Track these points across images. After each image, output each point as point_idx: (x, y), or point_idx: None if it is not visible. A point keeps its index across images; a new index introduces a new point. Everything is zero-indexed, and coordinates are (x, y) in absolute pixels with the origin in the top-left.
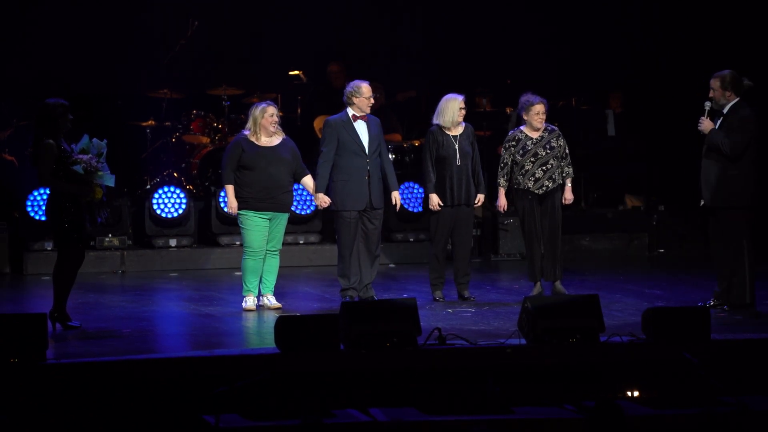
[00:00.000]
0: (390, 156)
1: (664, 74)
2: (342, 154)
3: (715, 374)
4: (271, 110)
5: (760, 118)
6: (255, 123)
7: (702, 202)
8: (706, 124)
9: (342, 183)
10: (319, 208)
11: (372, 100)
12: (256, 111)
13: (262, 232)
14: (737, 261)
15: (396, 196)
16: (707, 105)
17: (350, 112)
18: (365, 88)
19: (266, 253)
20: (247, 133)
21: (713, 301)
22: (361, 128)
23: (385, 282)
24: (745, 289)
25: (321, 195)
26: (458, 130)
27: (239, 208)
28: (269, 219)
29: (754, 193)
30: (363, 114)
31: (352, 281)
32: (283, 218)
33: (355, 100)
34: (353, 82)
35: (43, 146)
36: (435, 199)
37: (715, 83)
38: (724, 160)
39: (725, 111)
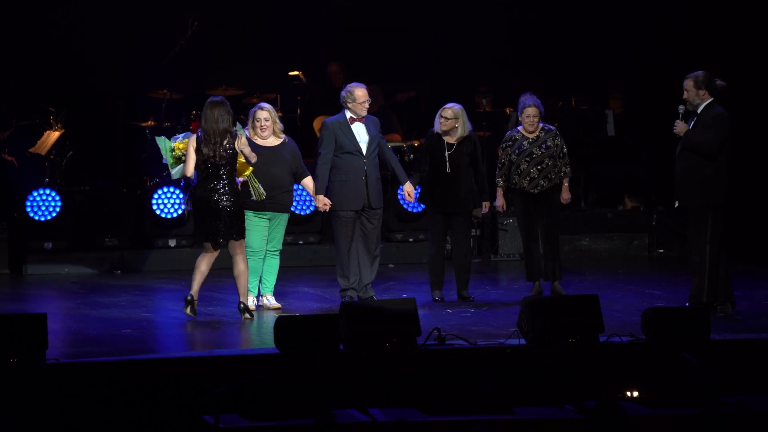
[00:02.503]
0: None
1: (664, 74)
2: (340, 155)
3: (715, 374)
4: (260, 114)
5: (753, 117)
6: (251, 125)
7: (676, 204)
8: (680, 127)
9: (339, 183)
10: (320, 210)
11: (367, 105)
12: (252, 113)
13: (261, 232)
14: (700, 261)
15: (407, 189)
16: (681, 108)
17: (347, 114)
18: (359, 92)
19: (266, 254)
20: (247, 132)
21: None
22: (359, 130)
23: (385, 282)
24: (726, 286)
25: (321, 197)
26: (455, 139)
27: None
28: (269, 219)
29: (729, 192)
30: (360, 117)
31: (351, 281)
32: (283, 218)
33: (349, 104)
34: (348, 85)
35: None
36: (407, 187)
37: (688, 84)
38: (699, 159)
39: (699, 111)
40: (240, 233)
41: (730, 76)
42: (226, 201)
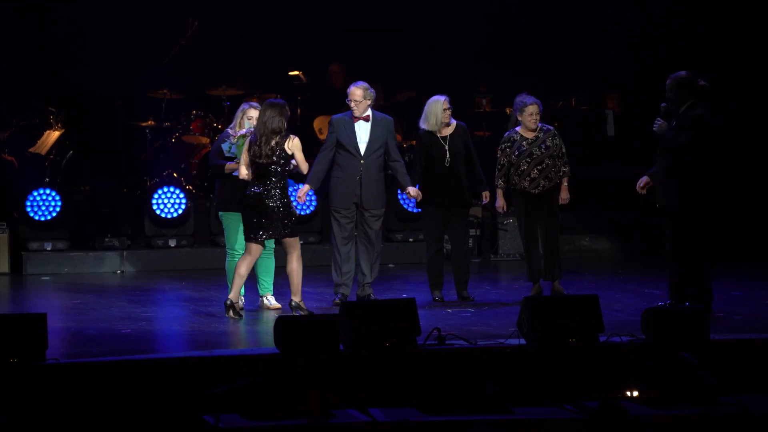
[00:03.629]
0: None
1: (664, 74)
2: (341, 152)
3: (715, 374)
4: (253, 113)
5: (753, 116)
6: (239, 123)
7: (657, 204)
8: (661, 126)
9: (335, 180)
10: (298, 199)
11: (355, 104)
12: (243, 110)
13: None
14: (691, 261)
15: (412, 193)
16: (663, 107)
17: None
18: (352, 89)
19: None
20: (232, 132)
21: (671, 302)
22: (361, 129)
23: (385, 282)
24: (699, 289)
25: (303, 186)
26: (448, 131)
27: (222, 210)
28: None
29: (707, 193)
30: (364, 115)
31: (344, 277)
32: None
33: (348, 102)
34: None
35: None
36: (412, 191)
37: (670, 84)
38: (678, 159)
39: (681, 111)
40: (291, 231)
41: (730, 76)
42: (275, 200)
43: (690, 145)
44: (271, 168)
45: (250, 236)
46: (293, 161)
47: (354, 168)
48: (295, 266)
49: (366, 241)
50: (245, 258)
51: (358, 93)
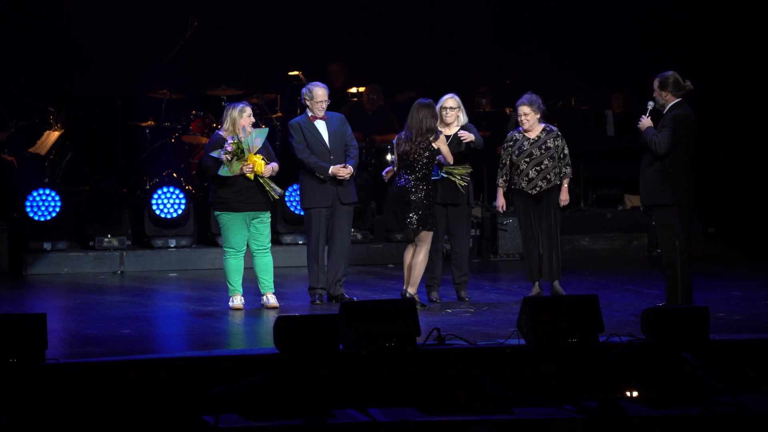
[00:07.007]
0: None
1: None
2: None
3: (715, 374)
4: (249, 110)
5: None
6: (233, 123)
7: (642, 204)
8: (644, 123)
9: (308, 181)
10: (344, 174)
11: (324, 105)
12: (234, 111)
13: (242, 231)
14: (669, 261)
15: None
16: (650, 105)
17: (308, 113)
18: (318, 91)
19: (257, 253)
20: (222, 133)
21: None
22: (322, 127)
23: (385, 282)
24: (677, 290)
25: (333, 168)
26: (453, 131)
27: (218, 210)
28: (251, 219)
29: (687, 193)
30: (319, 116)
31: (321, 281)
32: (264, 216)
33: (308, 103)
34: (309, 84)
35: None
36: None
37: (654, 84)
38: (659, 159)
39: (664, 111)
40: (428, 225)
41: (731, 76)
42: (419, 194)
43: (663, 144)
44: (418, 163)
45: (401, 228)
46: (440, 156)
47: (325, 168)
48: (420, 260)
49: (339, 237)
50: (408, 248)
51: (325, 95)
